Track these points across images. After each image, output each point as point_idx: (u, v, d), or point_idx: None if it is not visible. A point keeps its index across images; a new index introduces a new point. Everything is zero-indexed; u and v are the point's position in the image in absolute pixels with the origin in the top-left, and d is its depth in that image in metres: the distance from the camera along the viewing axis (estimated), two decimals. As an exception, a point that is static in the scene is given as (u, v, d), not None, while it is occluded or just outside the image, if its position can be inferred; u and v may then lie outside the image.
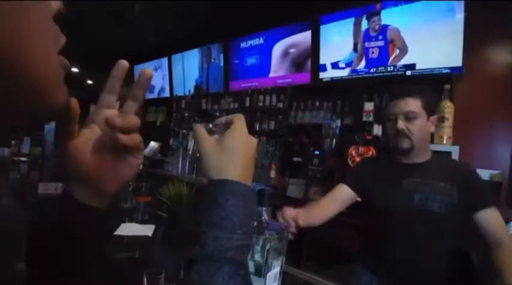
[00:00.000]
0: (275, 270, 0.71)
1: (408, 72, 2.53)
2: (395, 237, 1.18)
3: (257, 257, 0.68)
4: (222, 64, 3.99)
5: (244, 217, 0.41)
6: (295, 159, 3.06)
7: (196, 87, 4.43)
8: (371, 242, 1.28)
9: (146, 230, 1.44)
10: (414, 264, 1.14)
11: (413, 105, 1.16)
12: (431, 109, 1.20)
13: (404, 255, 1.15)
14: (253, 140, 0.49)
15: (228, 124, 0.49)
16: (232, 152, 0.45)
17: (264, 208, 0.75)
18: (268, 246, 0.68)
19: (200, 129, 0.49)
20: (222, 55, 3.98)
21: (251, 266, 0.68)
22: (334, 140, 2.73)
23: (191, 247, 0.40)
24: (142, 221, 1.57)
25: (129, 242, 1.38)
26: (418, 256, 1.14)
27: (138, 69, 3.90)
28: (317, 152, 2.73)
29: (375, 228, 1.26)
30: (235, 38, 3.82)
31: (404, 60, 2.54)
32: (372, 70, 2.69)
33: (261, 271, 0.68)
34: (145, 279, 0.88)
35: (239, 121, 0.48)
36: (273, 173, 3.18)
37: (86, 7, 3.73)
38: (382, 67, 2.63)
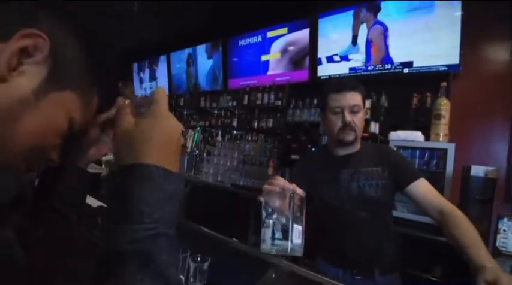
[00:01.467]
0: (298, 228, 0.82)
1: (406, 70, 2.55)
2: (343, 228, 1.24)
3: (283, 218, 0.81)
4: (220, 62, 4.00)
5: (156, 202, 0.36)
6: (293, 157, 3.06)
7: (195, 85, 4.43)
8: (323, 236, 1.31)
9: None
10: (365, 248, 1.20)
11: (357, 98, 1.20)
12: (365, 100, 1.26)
13: (355, 242, 1.21)
14: (175, 124, 0.43)
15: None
16: (147, 137, 0.39)
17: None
18: (292, 204, 0.81)
19: (123, 107, 0.44)
20: (220, 53, 3.99)
21: (278, 230, 0.82)
22: (332, 137, 2.74)
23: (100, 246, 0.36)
24: None
25: None
26: (366, 240, 1.20)
27: (137, 66, 3.91)
28: (314, 150, 2.73)
29: (323, 222, 1.30)
30: (233, 36, 3.83)
31: (402, 58, 2.55)
32: (369, 68, 2.70)
33: (287, 230, 0.80)
34: None
35: (159, 102, 0.43)
36: (270, 171, 3.19)
37: (84, 7, 3.73)
38: (380, 65, 2.64)
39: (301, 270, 1.20)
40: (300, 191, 0.86)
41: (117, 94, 0.52)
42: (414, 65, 2.51)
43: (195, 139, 3.85)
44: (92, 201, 1.82)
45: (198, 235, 1.50)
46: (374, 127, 2.45)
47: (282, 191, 0.84)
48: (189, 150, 3.81)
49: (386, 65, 2.62)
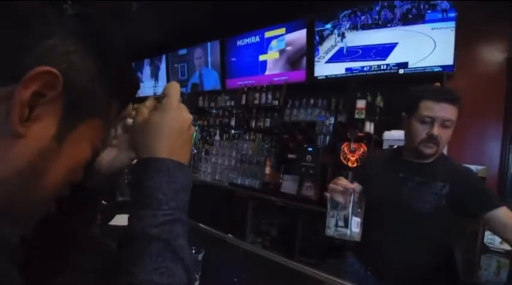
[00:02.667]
0: (357, 219, 1.04)
1: (401, 71, 2.58)
2: (383, 229, 1.20)
3: (345, 211, 1.04)
4: (218, 62, 4.03)
5: (173, 192, 0.40)
6: (290, 156, 3.10)
7: (193, 85, 4.46)
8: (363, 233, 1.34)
9: None
10: (395, 256, 1.17)
11: (453, 113, 1.11)
12: (459, 117, 1.15)
13: (388, 247, 1.18)
14: (185, 116, 0.45)
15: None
16: (159, 129, 0.43)
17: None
18: (352, 197, 1.04)
19: (141, 107, 0.47)
20: (219, 53, 4.01)
21: (340, 220, 1.06)
22: (328, 137, 2.78)
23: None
24: None
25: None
26: (400, 249, 1.16)
27: (134, 65, 3.90)
28: (310, 149, 2.77)
29: (367, 219, 1.31)
30: (231, 36, 3.85)
31: (397, 59, 2.59)
32: (365, 68, 2.73)
33: (348, 220, 1.03)
34: None
35: (170, 96, 0.45)
36: (267, 170, 3.23)
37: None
38: (376, 66, 2.68)
39: (294, 264, 1.24)
40: (359, 189, 1.06)
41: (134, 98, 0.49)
42: (409, 66, 2.54)
43: (193, 139, 3.87)
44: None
45: (195, 232, 1.53)
46: (369, 127, 2.49)
47: (345, 189, 1.05)
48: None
49: (382, 66, 2.66)
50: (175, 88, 0.46)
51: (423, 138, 1.12)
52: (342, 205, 1.06)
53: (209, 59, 4.19)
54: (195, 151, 3.91)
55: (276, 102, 3.35)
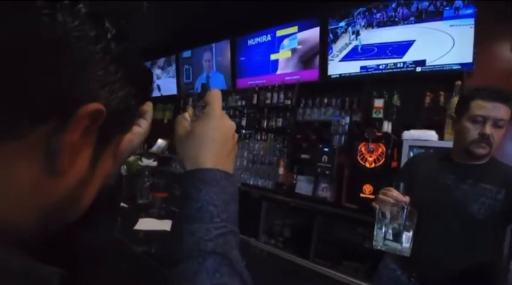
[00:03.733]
0: (409, 233, 1.00)
1: (418, 68, 2.53)
2: (432, 234, 1.15)
3: (395, 224, 1.02)
4: (229, 61, 4.00)
5: (223, 204, 0.39)
6: (303, 156, 3.06)
7: (203, 85, 4.44)
8: None
9: (164, 225, 1.47)
10: (444, 262, 1.13)
11: (506, 113, 1.08)
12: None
13: (435, 253, 1.14)
14: (228, 123, 0.44)
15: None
16: (203, 139, 0.42)
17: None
18: (405, 211, 1.01)
19: (181, 118, 0.46)
20: (229, 53, 3.99)
21: (389, 232, 1.03)
22: (343, 137, 2.74)
23: (174, 247, 0.39)
24: (159, 217, 1.60)
25: (145, 237, 1.40)
26: (449, 254, 1.12)
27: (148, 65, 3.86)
28: (326, 149, 2.73)
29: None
30: (242, 35, 3.82)
31: (415, 56, 2.54)
32: (381, 67, 2.68)
33: (398, 234, 1.00)
34: None
35: (212, 103, 0.44)
36: (281, 170, 3.20)
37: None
38: (392, 64, 2.63)
39: (313, 266, 1.22)
40: (407, 198, 1.02)
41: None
42: (427, 63, 2.49)
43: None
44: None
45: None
46: (387, 127, 2.45)
47: (396, 202, 1.02)
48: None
49: (399, 64, 2.61)
50: (217, 95, 0.45)
51: (475, 138, 1.09)
52: (392, 217, 1.03)
53: (216, 61, 4.16)
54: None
55: (288, 102, 3.32)
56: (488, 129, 1.07)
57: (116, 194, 0.56)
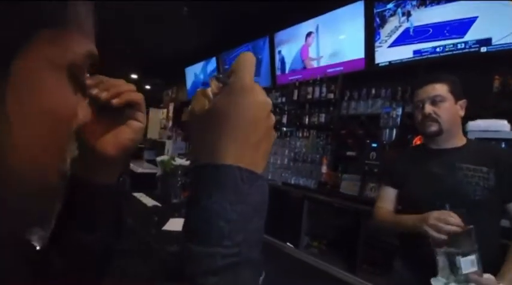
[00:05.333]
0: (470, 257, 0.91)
1: (483, 49, 2.18)
2: None
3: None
4: (268, 57, 3.89)
5: (241, 219, 0.27)
6: (349, 153, 2.84)
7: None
8: (407, 236, 1.22)
9: None
10: None
11: (440, 89, 1.17)
12: (459, 93, 1.20)
13: None
14: (260, 99, 0.30)
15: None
16: (224, 119, 0.29)
17: None
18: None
19: (200, 92, 0.32)
20: (268, 49, 3.88)
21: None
22: (395, 130, 2.46)
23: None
24: None
25: (177, 237, 1.35)
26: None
27: (189, 70, 4.00)
28: (374, 145, 2.48)
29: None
30: (280, 30, 3.69)
31: (478, 35, 2.19)
32: (438, 49, 2.36)
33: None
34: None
35: (240, 71, 0.30)
36: (324, 169, 3.00)
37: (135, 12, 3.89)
38: (451, 45, 2.30)
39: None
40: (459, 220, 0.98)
41: None
42: (493, 42, 2.13)
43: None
44: (147, 200, 1.82)
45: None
46: (447, 117, 2.13)
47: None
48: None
49: (459, 45, 2.27)
50: (248, 60, 0.30)
51: (421, 119, 1.20)
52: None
53: (258, 61, 4.08)
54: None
55: (331, 95, 3.10)
56: (427, 108, 1.17)
57: (119, 196, 0.46)
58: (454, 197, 1.11)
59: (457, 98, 1.19)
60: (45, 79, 0.24)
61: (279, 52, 3.77)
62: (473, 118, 2.00)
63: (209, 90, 0.31)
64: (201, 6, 3.62)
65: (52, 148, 0.25)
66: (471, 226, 0.95)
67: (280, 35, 3.74)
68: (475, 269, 0.91)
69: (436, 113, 1.16)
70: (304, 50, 3.46)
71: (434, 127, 1.17)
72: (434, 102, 1.17)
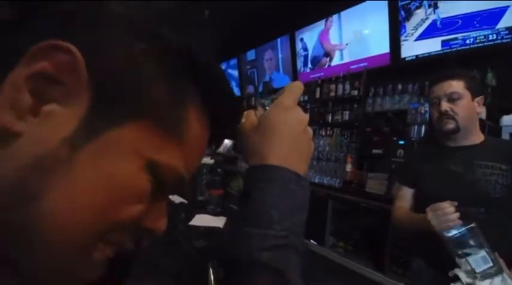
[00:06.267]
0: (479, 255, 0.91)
1: (517, 39, 2.06)
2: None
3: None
4: (289, 55, 3.88)
5: (287, 210, 0.32)
6: (375, 151, 2.77)
7: (265, 83, 4.40)
8: (425, 235, 1.20)
9: (218, 221, 1.47)
10: None
11: (456, 86, 1.16)
12: (476, 90, 1.19)
13: None
14: (300, 115, 0.37)
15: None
16: (271, 132, 0.35)
17: None
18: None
19: (248, 112, 0.40)
20: (289, 49, 3.87)
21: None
22: (423, 127, 2.38)
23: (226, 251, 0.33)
24: (216, 213, 1.60)
25: (205, 232, 1.40)
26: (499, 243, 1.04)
27: None
28: (401, 142, 2.41)
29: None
30: (301, 27, 3.66)
31: (511, 24, 2.07)
32: (468, 41, 2.26)
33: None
34: (210, 271, 0.84)
35: (286, 94, 0.38)
36: (348, 167, 2.94)
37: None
38: (482, 36, 2.20)
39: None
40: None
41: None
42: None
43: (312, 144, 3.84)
44: (174, 197, 1.87)
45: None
46: (482, 112, 2.04)
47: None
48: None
49: (491, 35, 2.16)
50: (296, 86, 0.39)
51: (437, 117, 1.19)
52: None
53: (280, 60, 4.07)
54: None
55: (355, 92, 3.04)
56: (444, 105, 1.16)
57: None
58: (473, 195, 1.11)
59: (474, 95, 1.17)
60: (125, 162, 0.24)
61: (301, 39, 3.71)
62: (508, 113, 1.91)
63: (257, 112, 0.39)
64: (220, 6, 3.66)
65: (89, 226, 0.24)
66: (473, 224, 0.96)
67: (301, 32, 3.71)
68: (489, 265, 0.90)
69: (452, 110, 1.15)
70: (324, 34, 3.41)
71: (451, 125, 1.16)
72: (450, 99, 1.16)
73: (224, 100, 0.31)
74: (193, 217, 1.52)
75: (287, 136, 0.36)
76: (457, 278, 0.94)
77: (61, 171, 0.22)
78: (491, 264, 0.90)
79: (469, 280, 0.90)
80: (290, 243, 0.31)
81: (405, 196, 1.31)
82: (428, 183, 1.23)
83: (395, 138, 2.50)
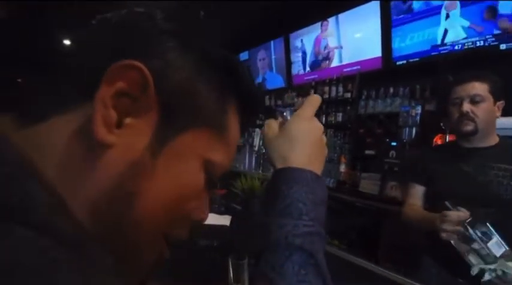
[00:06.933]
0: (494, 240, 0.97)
1: (502, 46, 2.15)
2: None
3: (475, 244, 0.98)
4: (283, 58, 3.92)
5: (312, 204, 0.39)
6: (367, 152, 2.85)
7: (259, 84, 4.44)
8: (438, 235, 1.21)
9: (223, 220, 1.52)
10: None
11: (480, 88, 1.16)
12: (499, 94, 1.18)
13: None
14: (317, 125, 0.45)
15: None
16: (294, 139, 0.43)
17: None
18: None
19: (269, 121, 0.47)
20: (283, 51, 3.91)
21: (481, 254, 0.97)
22: (414, 129, 2.46)
23: (259, 238, 0.38)
24: (219, 212, 1.64)
25: (208, 231, 1.43)
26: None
27: None
28: (394, 144, 2.49)
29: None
30: (295, 30, 3.71)
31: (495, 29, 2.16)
32: (456, 47, 2.35)
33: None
34: (230, 264, 0.91)
35: (306, 106, 0.45)
36: (342, 168, 3.02)
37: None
38: (470, 43, 2.28)
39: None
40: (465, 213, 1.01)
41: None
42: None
43: (262, 138, 3.84)
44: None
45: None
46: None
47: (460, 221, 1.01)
48: (256, 148, 3.82)
49: (478, 42, 2.25)
50: (315, 100, 0.46)
51: (457, 117, 1.19)
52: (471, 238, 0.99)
53: (273, 61, 4.10)
54: (264, 150, 3.87)
55: (348, 94, 3.12)
56: (466, 106, 1.15)
57: None
58: (484, 196, 1.12)
59: (496, 99, 1.17)
60: (190, 161, 0.30)
61: (295, 52, 3.78)
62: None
63: (277, 121, 0.47)
64: (217, 7, 3.67)
65: (165, 213, 0.29)
66: (469, 218, 0.99)
67: (296, 34, 3.75)
68: (504, 249, 0.96)
69: (473, 112, 1.15)
70: (319, 37, 3.46)
71: (470, 127, 1.17)
72: (473, 101, 1.16)
73: (255, 107, 0.38)
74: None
75: (308, 143, 0.42)
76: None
77: (147, 174, 0.27)
78: (505, 248, 0.96)
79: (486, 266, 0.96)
80: (316, 230, 0.37)
81: (417, 194, 1.32)
82: (439, 182, 1.24)
83: (387, 140, 2.58)
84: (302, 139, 0.43)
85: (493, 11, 2.19)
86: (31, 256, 0.19)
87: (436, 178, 1.26)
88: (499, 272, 0.94)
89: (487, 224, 1.00)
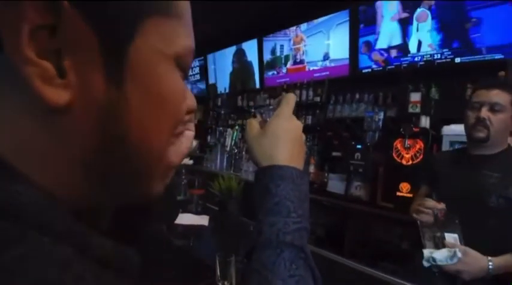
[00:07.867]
0: (455, 235, 1.06)
1: (457, 59, 2.38)
2: (466, 231, 1.13)
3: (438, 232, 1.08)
4: (256, 61, 4.00)
5: (298, 200, 0.40)
6: (335, 154, 2.99)
7: (232, 85, 4.47)
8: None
9: (202, 220, 1.54)
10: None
11: (502, 97, 1.14)
12: None
13: (476, 248, 1.10)
14: (297, 123, 0.47)
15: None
16: (276, 137, 0.44)
17: None
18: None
19: (250, 120, 0.49)
20: (256, 52, 3.98)
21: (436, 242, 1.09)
22: (377, 133, 2.64)
23: (249, 237, 0.41)
24: (197, 213, 1.67)
25: (183, 231, 1.46)
26: (490, 249, 1.09)
27: None
28: (359, 146, 2.65)
29: None
30: (269, 34, 3.80)
31: (454, 44, 2.39)
32: (416, 59, 2.56)
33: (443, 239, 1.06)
34: (217, 261, 0.95)
35: (284, 105, 0.47)
36: (311, 168, 3.15)
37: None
38: (428, 55, 2.50)
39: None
40: (441, 205, 1.09)
41: None
42: (467, 54, 2.34)
43: (233, 138, 3.89)
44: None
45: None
46: (425, 122, 2.33)
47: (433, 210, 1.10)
48: (228, 148, 3.86)
49: (436, 55, 2.47)
50: (291, 98, 0.49)
51: (472, 122, 1.17)
52: (435, 225, 1.09)
53: (246, 59, 4.17)
54: (236, 150, 3.92)
55: (317, 99, 3.26)
56: (484, 112, 1.14)
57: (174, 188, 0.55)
58: (492, 204, 1.12)
59: None
60: (159, 66, 0.25)
61: (267, 55, 3.86)
62: (448, 123, 2.20)
63: (257, 120, 0.49)
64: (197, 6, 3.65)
65: (165, 131, 0.27)
66: (455, 216, 1.09)
67: (268, 39, 3.84)
68: (457, 245, 1.06)
69: (490, 120, 1.14)
70: (294, 41, 3.58)
71: (482, 134, 1.15)
72: (492, 108, 1.14)
73: None
74: (176, 216, 1.58)
75: (290, 140, 0.44)
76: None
77: (122, 107, 0.23)
78: (459, 246, 1.07)
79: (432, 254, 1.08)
80: (303, 226, 0.39)
81: (423, 193, 1.36)
82: (438, 184, 1.27)
83: (353, 142, 2.73)
84: (284, 137, 0.44)
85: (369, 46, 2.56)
86: (53, 270, 0.18)
87: (436, 179, 1.29)
88: (432, 261, 1.06)
89: (456, 221, 1.07)
